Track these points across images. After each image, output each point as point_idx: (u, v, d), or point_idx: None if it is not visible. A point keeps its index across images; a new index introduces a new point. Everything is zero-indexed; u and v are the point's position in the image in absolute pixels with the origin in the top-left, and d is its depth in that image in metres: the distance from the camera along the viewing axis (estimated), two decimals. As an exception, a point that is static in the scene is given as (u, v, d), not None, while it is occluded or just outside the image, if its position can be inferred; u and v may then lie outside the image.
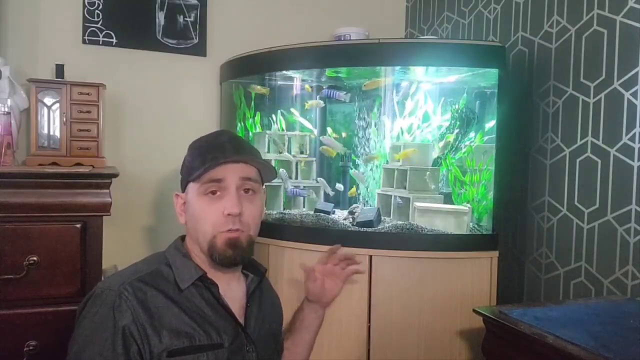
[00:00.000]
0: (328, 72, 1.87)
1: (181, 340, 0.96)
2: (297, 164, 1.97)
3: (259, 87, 1.95)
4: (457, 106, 1.78)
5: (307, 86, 1.95)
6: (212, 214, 1.03)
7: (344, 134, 1.97)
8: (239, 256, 1.04)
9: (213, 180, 1.02)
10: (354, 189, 1.90)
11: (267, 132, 1.98)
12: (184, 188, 1.09)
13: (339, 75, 1.89)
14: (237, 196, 1.03)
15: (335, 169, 1.96)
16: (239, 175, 1.04)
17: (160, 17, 2.05)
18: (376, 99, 1.89)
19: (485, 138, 1.75)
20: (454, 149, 1.79)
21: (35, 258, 1.38)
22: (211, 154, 1.03)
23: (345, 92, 1.86)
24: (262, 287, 1.16)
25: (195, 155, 1.06)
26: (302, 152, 1.98)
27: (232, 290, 1.09)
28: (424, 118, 1.83)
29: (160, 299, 0.98)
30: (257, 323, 1.10)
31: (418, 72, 1.80)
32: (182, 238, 1.11)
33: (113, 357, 0.90)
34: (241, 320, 1.07)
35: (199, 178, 1.03)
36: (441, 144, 1.81)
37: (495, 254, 1.60)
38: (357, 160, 1.92)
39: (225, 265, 1.04)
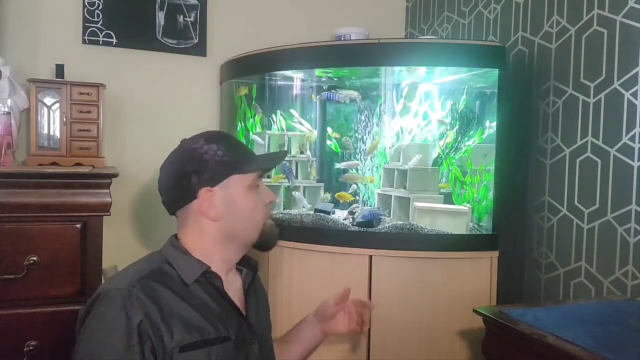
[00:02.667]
0: (318, 72, 1.87)
1: (192, 334, 0.96)
2: (297, 164, 1.97)
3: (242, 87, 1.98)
4: (450, 103, 1.78)
5: (312, 95, 1.95)
6: (260, 204, 1.10)
7: (343, 136, 1.97)
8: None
9: (265, 171, 1.14)
10: (346, 194, 1.88)
11: (268, 132, 1.98)
12: (216, 182, 1.03)
13: (329, 75, 1.89)
14: None
15: (335, 170, 1.96)
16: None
17: (160, 17, 2.05)
18: (377, 99, 1.89)
19: (484, 135, 1.76)
20: (454, 149, 1.79)
21: (35, 258, 1.38)
22: (247, 148, 1.14)
23: (344, 95, 1.86)
24: (256, 281, 1.17)
25: (234, 148, 1.09)
26: (302, 152, 1.98)
27: (231, 284, 1.10)
28: (423, 118, 1.83)
29: (168, 294, 0.98)
30: (257, 316, 1.12)
31: (418, 72, 1.80)
32: (177, 236, 1.10)
33: (130, 357, 0.89)
34: (243, 311, 1.08)
35: (253, 170, 1.07)
36: (441, 142, 1.81)
37: (495, 254, 1.60)
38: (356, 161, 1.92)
39: (272, 246, 1.16)
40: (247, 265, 1.15)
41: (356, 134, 1.89)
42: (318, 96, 1.93)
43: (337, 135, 1.95)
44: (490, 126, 1.72)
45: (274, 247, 1.17)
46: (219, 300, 1.04)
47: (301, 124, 1.95)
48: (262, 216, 1.10)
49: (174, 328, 0.95)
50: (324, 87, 1.95)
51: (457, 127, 1.76)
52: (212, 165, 1.03)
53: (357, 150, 1.89)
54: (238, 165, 1.05)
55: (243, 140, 1.99)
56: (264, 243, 1.13)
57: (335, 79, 1.92)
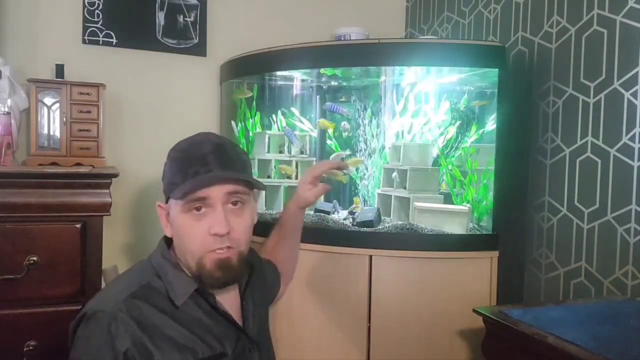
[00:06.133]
0: (323, 70, 1.86)
1: (184, 356, 0.93)
2: (297, 164, 1.97)
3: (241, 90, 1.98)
4: (449, 103, 1.78)
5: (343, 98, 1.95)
6: (197, 233, 0.95)
7: (344, 134, 1.97)
8: (230, 277, 0.97)
9: (196, 199, 0.94)
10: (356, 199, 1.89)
11: (267, 132, 1.98)
12: (167, 199, 1.01)
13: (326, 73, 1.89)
14: (224, 213, 0.95)
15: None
16: (224, 191, 0.95)
17: (160, 17, 2.05)
18: (376, 99, 1.89)
19: (481, 131, 1.76)
20: (453, 149, 1.79)
21: (35, 258, 1.38)
22: (192, 168, 0.95)
23: (348, 109, 1.86)
24: (253, 278, 1.12)
25: (175, 169, 0.98)
26: (302, 152, 1.98)
27: (226, 293, 1.05)
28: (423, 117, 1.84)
29: (156, 314, 0.93)
30: (254, 318, 1.08)
31: (418, 72, 1.80)
32: (167, 241, 1.05)
33: None
34: (239, 321, 1.04)
35: (177, 197, 0.95)
36: (440, 140, 1.81)
37: (495, 254, 1.60)
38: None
39: (215, 287, 0.97)
40: None
41: (358, 134, 1.89)
42: (323, 106, 1.93)
43: (347, 124, 1.93)
44: (488, 123, 1.73)
45: (220, 287, 0.98)
46: (212, 314, 0.99)
47: (302, 122, 1.95)
48: (198, 246, 0.95)
49: (164, 350, 0.91)
50: (324, 87, 1.95)
51: (457, 123, 1.76)
52: (164, 182, 1.01)
53: (359, 149, 1.90)
54: (172, 189, 0.97)
55: (242, 141, 2.00)
56: (203, 279, 0.96)
57: (329, 75, 1.91)
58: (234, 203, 0.98)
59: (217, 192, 0.95)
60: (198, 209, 0.95)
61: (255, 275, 1.14)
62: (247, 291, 1.09)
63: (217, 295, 1.01)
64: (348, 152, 1.89)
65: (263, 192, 1.91)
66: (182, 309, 0.96)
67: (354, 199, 1.90)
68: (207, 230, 0.94)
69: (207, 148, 0.97)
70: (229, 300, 1.04)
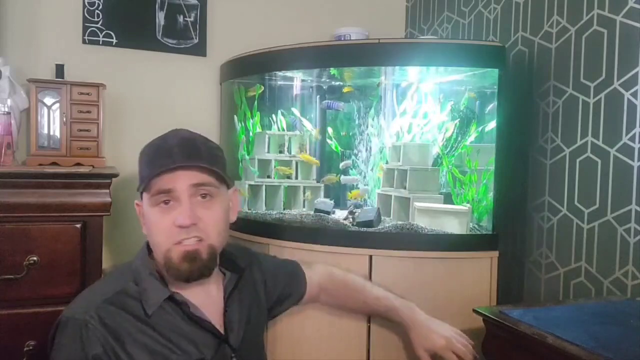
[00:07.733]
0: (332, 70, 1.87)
1: None
2: (297, 164, 1.96)
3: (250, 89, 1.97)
4: (447, 101, 1.78)
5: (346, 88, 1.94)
6: (164, 226, 0.95)
7: (343, 133, 1.97)
8: (197, 270, 0.96)
9: (162, 191, 0.95)
10: (356, 191, 1.89)
11: (267, 132, 1.98)
12: (141, 196, 1.02)
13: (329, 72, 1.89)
14: (190, 205, 0.95)
15: (336, 170, 1.96)
16: (189, 182, 0.95)
17: (160, 17, 2.05)
18: (376, 99, 1.89)
19: (479, 128, 1.76)
20: (453, 148, 1.79)
21: (35, 258, 1.38)
22: (159, 160, 0.96)
23: (343, 103, 1.86)
24: (241, 284, 1.09)
25: (143, 163, 0.99)
26: (302, 153, 1.98)
27: (210, 295, 1.03)
28: (424, 117, 1.83)
29: (130, 321, 0.93)
30: (239, 325, 1.05)
31: (418, 72, 1.80)
32: (149, 247, 1.04)
33: None
34: (221, 327, 1.01)
35: (148, 189, 0.95)
36: (440, 138, 1.81)
37: (495, 254, 1.60)
38: (357, 162, 1.92)
39: (182, 280, 0.96)
40: (232, 268, 1.08)
41: (357, 133, 1.89)
42: (320, 104, 1.93)
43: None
44: (487, 123, 1.73)
45: (187, 281, 0.96)
46: (190, 320, 0.98)
47: (302, 122, 1.95)
48: (164, 238, 0.95)
49: (135, 357, 0.90)
50: (324, 87, 1.95)
51: (457, 120, 1.76)
52: (139, 177, 1.02)
53: (357, 152, 1.90)
54: (141, 181, 0.98)
55: (242, 139, 1.99)
56: (170, 272, 0.96)
57: (330, 75, 1.92)
58: (203, 196, 0.98)
59: (182, 184, 0.95)
60: (166, 202, 0.96)
61: (245, 279, 1.11)
62: (232, 296, 1.06)
63: (199, 300, 0.99)
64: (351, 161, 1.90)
65: (263, 193, 1.91)
66: (158, 315, 0.95)
67: (352, 191, 1.90)
68: (173, 223, 0.94)
69: (174, 141, 0.99)
70: (211, 305, 1.02)
